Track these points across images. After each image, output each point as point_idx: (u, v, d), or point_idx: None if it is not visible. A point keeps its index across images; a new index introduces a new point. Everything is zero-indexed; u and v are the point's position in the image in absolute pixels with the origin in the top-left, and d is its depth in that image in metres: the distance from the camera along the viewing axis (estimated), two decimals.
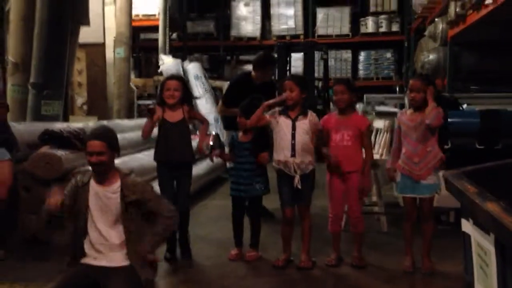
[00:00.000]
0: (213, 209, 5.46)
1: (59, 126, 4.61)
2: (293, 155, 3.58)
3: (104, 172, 3.05)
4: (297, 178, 3.58)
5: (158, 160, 3.93)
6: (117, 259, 3.03)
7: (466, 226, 1.78)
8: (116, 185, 3.08)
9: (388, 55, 14.96)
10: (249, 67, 5.14)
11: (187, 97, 3.99)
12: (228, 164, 4.25)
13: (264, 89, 4.77)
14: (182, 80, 3.99)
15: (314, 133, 3.64)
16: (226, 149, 4.12)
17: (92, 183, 3.07)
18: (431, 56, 8.70)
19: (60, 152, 4.10)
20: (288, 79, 3.71)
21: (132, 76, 12.48)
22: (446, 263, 3.66)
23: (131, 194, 3.04)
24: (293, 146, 3.59)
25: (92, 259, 3.03)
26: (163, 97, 3.84)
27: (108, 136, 3.10)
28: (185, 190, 3.90)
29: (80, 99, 10.35)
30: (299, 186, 3.58)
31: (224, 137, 5.21)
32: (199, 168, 6.14)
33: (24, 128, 4.42)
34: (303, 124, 3.62)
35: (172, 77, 3.97)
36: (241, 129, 3.87)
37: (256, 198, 3.90)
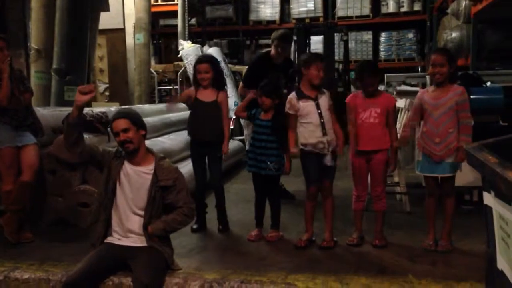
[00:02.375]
0: (234, 192, 5.50)
1: None
2: (324, 133, 3.60)
3: (134, 151, 3.07)
4: (329, 156, 3.60)
5: (190, 137, 4.16)
6: (139, 240, 3.10)
7: (488, 198, 1.77)
8: (150, 166, 3.11)
9: (410, 35, 14.71)
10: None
11: (218, 77, 4.12)
12: (247, 146, 4.29)
13: (283, 67, 4.81)
14: (211, 62, 4.11)
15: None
16: (245, 131, 4.12)
17: (126, 163, 3.11)
18: (454, 34, 8.52)
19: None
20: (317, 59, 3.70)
21: (153, 62, 12.55)
22: (469, 242, 3.63)
23: (165, 178, 3.07)
24: (323, 125, 3.60)
25: (117, 239, 3.10)
26: (197, 79, 4.06)
27: (130, 113, 3.15)
28: (216, 166, 4.11)
29: (102, 85, 10.47)
30: (332, 164, 3.62)
31: (243, 120, 5.21)
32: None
33: (48, 113, 4.50)
34: (324, 102, 3.64)
35: (201, 60, 4.11)
36: (262, 109, 3.88)
37: (273, 177, 3.91)
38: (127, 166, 3.10)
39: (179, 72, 10.66)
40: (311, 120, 3.62)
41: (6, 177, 3.86)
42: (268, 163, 3.80)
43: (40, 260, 3.48)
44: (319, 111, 3.60)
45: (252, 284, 3.02)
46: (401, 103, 5.05)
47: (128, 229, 3.08)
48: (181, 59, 10.48)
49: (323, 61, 3.67)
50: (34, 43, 6.23)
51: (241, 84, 5.30)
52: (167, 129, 6.07)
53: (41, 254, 3.62)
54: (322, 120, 3.60)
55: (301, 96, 3.64)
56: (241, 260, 3.46)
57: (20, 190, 3.84)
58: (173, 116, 6.66)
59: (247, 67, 8.74)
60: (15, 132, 3.85)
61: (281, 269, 3.23)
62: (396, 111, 4.46)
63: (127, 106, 6.50)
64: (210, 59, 4.12)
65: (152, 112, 6.43)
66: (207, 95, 4.05)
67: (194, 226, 4.09)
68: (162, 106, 7.79)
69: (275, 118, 3.82)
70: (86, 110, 4.71)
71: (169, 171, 3.12)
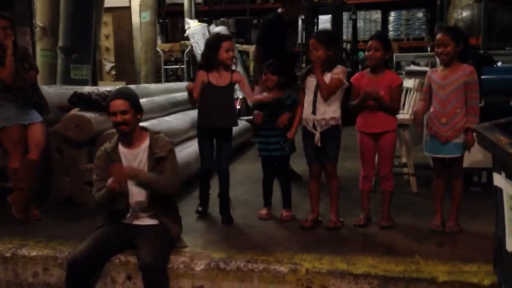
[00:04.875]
0: (241, 173, 5.49)
1: (88, 89, 4.67)
2: (313, 112, 3.55)
3: (129, 133, 3.06)
4: (317, 136, 3.55)
5: (201, 125, 3.86)
6: (147, 218, 3.10)
7: (498, 179, 1.74)
8: (145, 144, 3.11)
9: (420, 14, 14.46)
10: None
11: None
12: None
13: (294, 25, 4.77)
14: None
15: (338, 86, 3.55)
16: None
17: (120, 147, 3.10)
18: (465, 13, 8.38)
19: (89, 114, 4.17)
20: (312, 37, 3.61)
21: (159, 41, 12.47)
22: (477, 223, 3.61)
23: (160, 151, 3.08)
24: (314, 103, 3.55)
25: (125, 218, 3.11)
26: (220, 58, 3.67)
27: (130, 95, 3.12)
28: (225, 153, 3.90)
29: (108, 64, 10.45)
30: (319, 144, 3.56)
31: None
32: None
33: (54, 91, 4.48)
34: (326, 80, 3.56)
35: (228, 37, 3.80)
36: (266, 87, 3.83)
37: (285, 158, 3.89)
38: (123, 149, 3.09)
39: (185, 51, 10.59)
40: (307, 96, 3.59)
41: (13, 155, 3.87)
42: (283, 144, 3.77)
43: (47, 237, 3.51)
44: (316, 88, 3.54)
45: (258, 264, 3.02)
46: (409, 83, 4.99)
47: (138, 203, 3.09)
48: (187, 38, 10.41)
49: (323, 40, 3.52)
50: (39, 21, 6.18)
51: (254, 47, 5.13)
52: (173, 109, 6.04)
53: (48, 232, 3.64)
54: (314, 98, 3.54)
55: (309, 71, 3.62)
56: (248, 239, 3.46)
57: (27, 168, 3.86)
58: (180, 95, 6.62)
59: (254, 47, 8.59)
60: (22, 110, 3.85)
61: (287, 249, 3.23)
62: (402, 90, 4.39)
63: (128, 86, 6.45)
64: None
65: (159, 92, 6.40)
66: (221, 79, 3.72)
67: (200, 209, 3.99)
68: (168, 85, 7.76)
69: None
70: (92, 89, 4.72)
71: (164, 143, 3.12)
